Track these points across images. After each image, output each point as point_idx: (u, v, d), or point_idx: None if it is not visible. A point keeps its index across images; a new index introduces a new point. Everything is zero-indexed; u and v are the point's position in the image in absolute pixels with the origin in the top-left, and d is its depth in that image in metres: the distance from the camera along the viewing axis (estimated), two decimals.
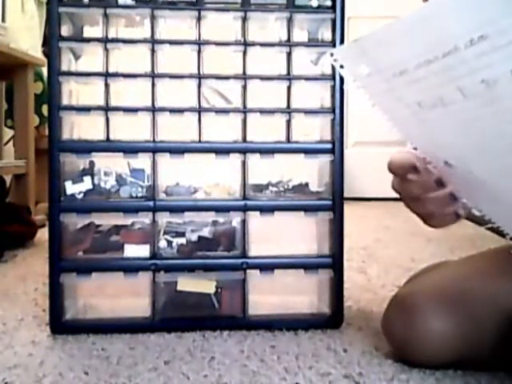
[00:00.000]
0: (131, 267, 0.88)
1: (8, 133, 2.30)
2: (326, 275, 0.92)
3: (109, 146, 0.88)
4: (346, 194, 0.91)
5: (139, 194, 0.90)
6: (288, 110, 0.91)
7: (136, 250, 0.89)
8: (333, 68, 0.90)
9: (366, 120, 2.97)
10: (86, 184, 0.90)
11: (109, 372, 0.73)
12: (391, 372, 0.72)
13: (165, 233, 0.91)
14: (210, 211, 0.89)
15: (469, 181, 0.54)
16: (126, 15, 0.90)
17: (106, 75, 0.88)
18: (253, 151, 0.89)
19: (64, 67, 0.89)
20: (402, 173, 0.59)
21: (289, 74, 0.90)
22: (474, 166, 0.51)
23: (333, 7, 0.90)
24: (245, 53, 0.89)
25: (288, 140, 0.91)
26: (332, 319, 0.91)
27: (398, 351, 0.75)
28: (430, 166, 0.58)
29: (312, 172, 0.97)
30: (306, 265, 0.91)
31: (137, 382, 0.70)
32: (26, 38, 2.37)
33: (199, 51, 0.89)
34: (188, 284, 0.90)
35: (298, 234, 0.96)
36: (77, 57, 0.94)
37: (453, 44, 0.38)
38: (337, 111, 0.90)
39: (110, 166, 0.91)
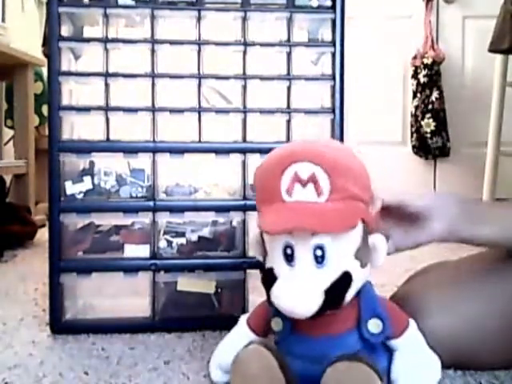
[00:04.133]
0: (131, 267, 0.88)
1: (8, 133, 2.30)
2: None
3: (109, 146, 0.88)
4: None
5: (139, 194, 0.90)
6: (288, 110, 0.91)
7: (136, 250, 0.89)
8: (333, 68, 0.90)
9: (366, 120, 2.97)
10: (86, 184, 0.90)
11: (109, 372, 0.73)
12: None
13: (165, 233, 0.91)
14: (210, 211, 0.89)
15: None
16: (126, 15, 0.90)
17: (106, 75, 0.88)
18: (253, 151, 0.89)
19: (64, 67, 0.89)
20: None
21: (289, 74, 0.90)
22: None
23: (333, 7, 0.90)
24: (245, 53, 0.89)
25: (288, 140, 0.91)
26: None
27: None
28: None
29: None
30: None
31: (137, 382, 0.70)
32: (26, 38, 2.37)
33: (199, 51, 0.89)
34: (188, 284, 0.90)
35: None
36: (77, 57, 0.94)
37: None
38: (337, 111, 0.90)
39: (110, 166, 0.91)
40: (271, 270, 0.57)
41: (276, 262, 0.57)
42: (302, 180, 0.56)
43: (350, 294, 0.56)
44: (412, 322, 0.62)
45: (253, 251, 0.64)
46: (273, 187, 0.57)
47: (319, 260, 0.55)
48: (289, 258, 0.56)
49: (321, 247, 0.55)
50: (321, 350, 0.58)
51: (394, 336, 0.60)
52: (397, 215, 0.68)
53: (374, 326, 0.58)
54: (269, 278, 0.56)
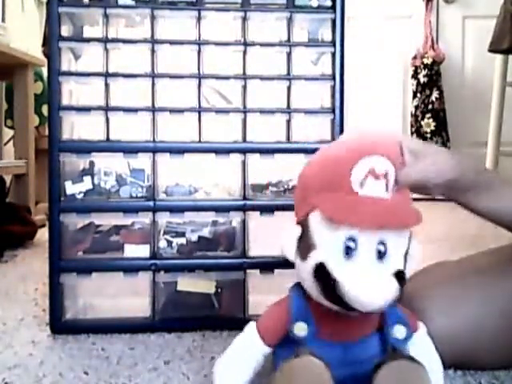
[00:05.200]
0: (131, 267, 0.88)
1: (8, 133, 2.30)
2: None
3: (109, 146, 0.88)
4: None
5: (139, 194, 0.90)
6: (288, 110, 0.91)
7: (136, 250, 0.89)
8: (333, 68, 0.90)
9: (366, 120, 2.97)
10: (86, 184, 0.90)
11: (109, 372, 0.73)
12: None
13: (165, 233, 0.91)
14: (210, 211, 0.89)
15: None
16: (126, 15, 0.90)
17: (106, 75, 0.88)
18: (253, 151, 0.89)
19: (64, 67, 0.89)
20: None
21: (289, 74, 0.90)
22: None
23: (333, 7, 0.90)
24: (245, 53, 0.89)
25: (288, 140, 0.91)
26: None
27: None
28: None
29: None
30: None
31: (137, 382, 0.70)
32: (26, 38, 2.37)
33: (199, 51, 0.89)
34: (188, 284, 0.90)
35: None
36: (77, 57, 0.94)
37: None
38: (337, 111, 0.90)
39: (109, 166, 0.91)
40: (323, 264, 0.54)
41: (331, 255, 0.54)
42: (377, 175, 0.55)
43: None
44: (422, 324, 0.62)
45: (285, 250, 0.59)
46: (340, 176, 0.55)
47: (381, 255, 0.54)
48: (348, 251, 0.54)
49: (384, 243, 0.54)
50: (347, 353, 0.57)
51: None
52: None
53: (399, 331, 0.58)
54: (323, 273, 0.54)
